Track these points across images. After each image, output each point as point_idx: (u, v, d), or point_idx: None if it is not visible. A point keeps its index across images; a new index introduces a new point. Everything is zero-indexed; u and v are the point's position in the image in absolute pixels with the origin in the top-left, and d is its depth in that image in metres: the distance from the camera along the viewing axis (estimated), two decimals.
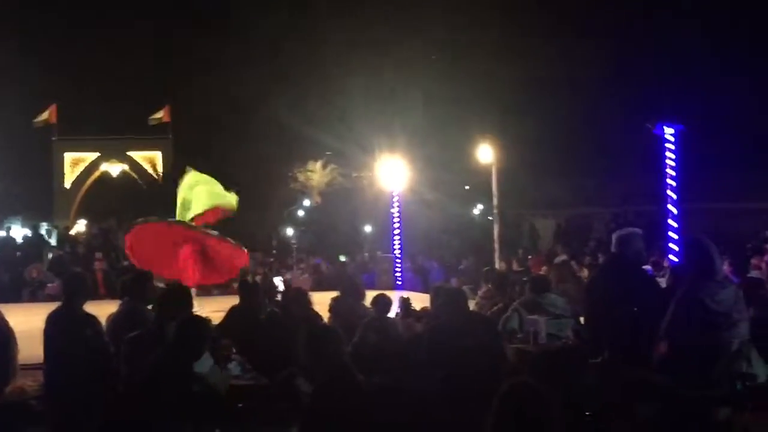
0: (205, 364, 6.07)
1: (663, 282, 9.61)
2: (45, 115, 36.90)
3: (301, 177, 40.41)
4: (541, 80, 35.20)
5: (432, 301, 8.70)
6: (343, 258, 22.47)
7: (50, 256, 22.05)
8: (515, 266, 17.40)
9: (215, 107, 42.75)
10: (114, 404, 6.23)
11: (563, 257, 17.89)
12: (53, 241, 23.67)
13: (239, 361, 7.52)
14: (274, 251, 23.83)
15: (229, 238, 13.30)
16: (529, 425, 3.62)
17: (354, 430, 5.10)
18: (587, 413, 4.84)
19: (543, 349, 7.85)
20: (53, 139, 39.06)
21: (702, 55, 31.21)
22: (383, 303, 8.64)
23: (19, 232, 31.41)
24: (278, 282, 9.93)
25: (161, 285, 9.49)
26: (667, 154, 12.38)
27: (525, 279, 10.16)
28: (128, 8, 48.21)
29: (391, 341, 7.86)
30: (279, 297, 10.03)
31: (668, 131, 12.39)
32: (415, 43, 38.05)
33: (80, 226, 31.50)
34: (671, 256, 12.20)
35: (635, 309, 6.41)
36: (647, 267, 10.51)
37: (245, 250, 13.62)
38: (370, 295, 9.47)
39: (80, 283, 7.87)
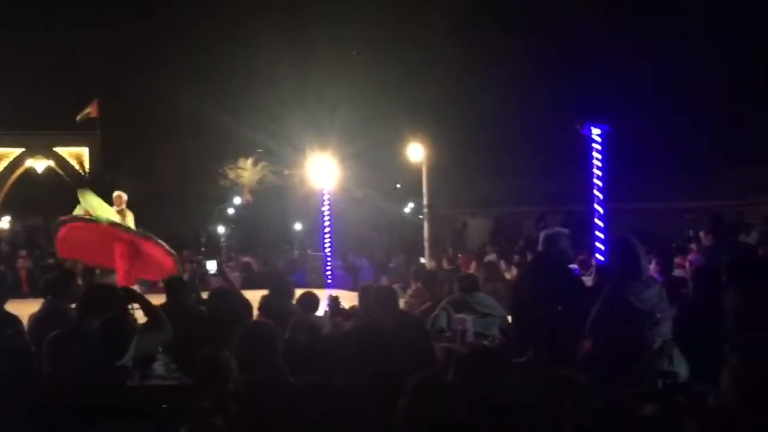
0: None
1: (589, 281, 9.77)
2: None
3: (231, 174, 40.09)
4: (472, 78, 35.38)
5: (360, 300, 8.70)
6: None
7: None
8: (445, 265, 17.49)
9: (144, 103, 42.19)
10: (36, 404, 6.10)
11: (492, 256, 18.06)
12: None
13: (164, 361, 7.43)
14: (203, 249, 23.63)
15: (162, 242, 13.09)
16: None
17: (284, 429, 5.08)
18: (512, 412, 4.88)
19: (469, 347, 7.90)
20: None
21: (629, 55, 31.73)
22: (308, 301, 8.62)
23: None
24: (211, 266, 9.82)
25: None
26: (594, 154, 12.56)
27: (454, 278, 10.21)
28: (57, 2, 47.48)
29: (320, 340, 7.84)
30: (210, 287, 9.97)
31: (595, 131, 12.57)
32: (343, 39, 38.02)
33: (3, 223, 30.90)
34: (598, 255, 12.37)
35: (560, 307, 6.48)
36: (574, 266, 10.66)
37: (173, 256, 13.35)
38: (299, 293, 9.44)
39: (2, 281, 7.74)
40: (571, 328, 6.46)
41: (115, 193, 13.33)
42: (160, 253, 13.08)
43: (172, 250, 13.21)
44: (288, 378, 5.69)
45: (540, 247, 7.68)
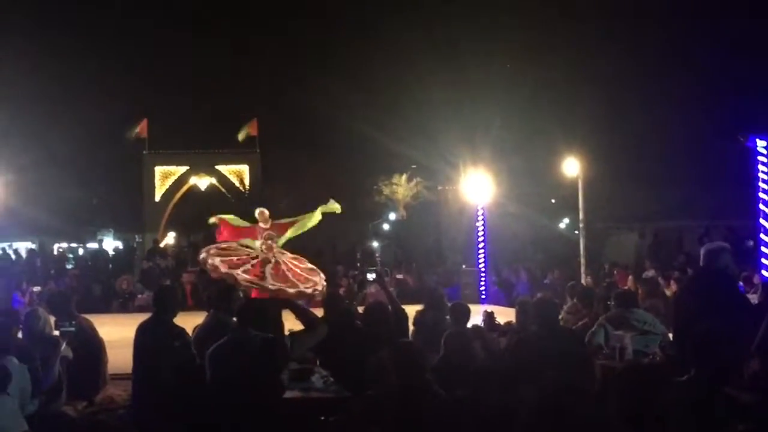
0: None
1: (755, 298, 9.39)
2: (136, 129, 37.68)
3: (386, 190, 40.48)
4: (629, 91, 34.69)
5: (517, 315, 8.62)
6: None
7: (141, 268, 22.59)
8: (601, 281, 17.16)
9: (301, 121, 43.21)
10: (199, 414, 6.32)
11: (651, 272, 17.60)
12: (143, 254, 24.21)
13: (321, 375, 7.56)
14: (359, 264, 23.91)
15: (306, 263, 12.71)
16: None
17: None
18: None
19: (628, 365, 7.72)
20: (144, 152, 39.85)
21: None
22: (460, 311, 8.57)
23: (110, 244, 32.23)
24: (371, 277, 9.88)
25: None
26: (760, 167, 12.09)
27: (611, 294, 10.00)
28: (218, 27, 49.24)
29: (474, 355, 7.80)
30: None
31: (761, 144, 12.11)
32: (496, 53, 37.90)
33: (169, 238, 32.10)
34: (764, 272, 11.90)
35: (723, 324, 6.26)
36: (738, 283, 10.28)
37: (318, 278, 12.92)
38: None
39: (171, 295, 8.06)
40: (735, 346, 6.23)
41: (257, 210, 13.38)
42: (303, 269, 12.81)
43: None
44: (438, 392, 5.70)
45: (702, 262, 7.44)
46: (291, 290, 11.40)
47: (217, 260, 11.03)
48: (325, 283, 11.93)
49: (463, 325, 8.43)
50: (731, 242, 10.74)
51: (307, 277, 11.77)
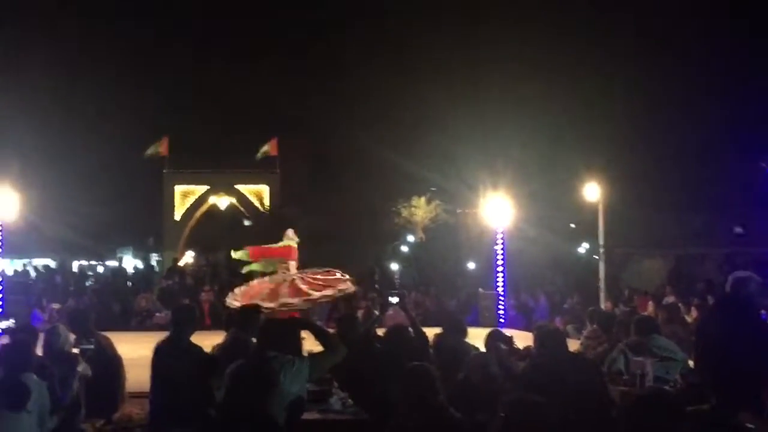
0: None
1: None
2: (156, 147, 37.83)
3: (404, 212, 40.50)
4: (651, 115, 34.65)
5: (535, 340, 8.54)
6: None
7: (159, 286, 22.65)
8: (621, 306, 17.08)
9: (320, 142, 43.37)
10: None
11: (671, 298, 17.51)
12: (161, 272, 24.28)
13: (340, 397, 7.55)
14: (377, 286, 23.88)
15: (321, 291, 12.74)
16: None
17: None
18: None
19: (648, 391, 7.66)
20: (164, 171, 40.03)
21: None
22: (497, 338, 8.52)
23: (130, 262, 32.36)
24: (393, 301, 9.84)
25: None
26: None
27: (631, 320, 9.92)
28: (239, 47, 49.61)
29: (492, 379, 7.76)
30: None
31: None
32: (515, 77, 37.96)
33: (188, 257, 32.19)
34: None
35: (746, 354, 6.20)
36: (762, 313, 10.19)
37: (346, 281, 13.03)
38: (472, 332, 9.39)
39: (189, 314, 8.05)
40: (758, 376, 6.17)
41: (290, 231, 13.50)
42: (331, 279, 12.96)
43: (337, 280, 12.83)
44: (454, 415, 5.67)
45: (727, 289, 7.37)
46: (312, 294, 11.60)
47: (237, 299, 11.24)
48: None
49: (462, 336, 8.34)
50: (755, 270, 10.66)
51: (327, 286, 11.95)
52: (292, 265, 12.97)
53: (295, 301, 11.55)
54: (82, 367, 7.34)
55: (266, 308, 10.67)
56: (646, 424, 4.59)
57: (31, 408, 6.18)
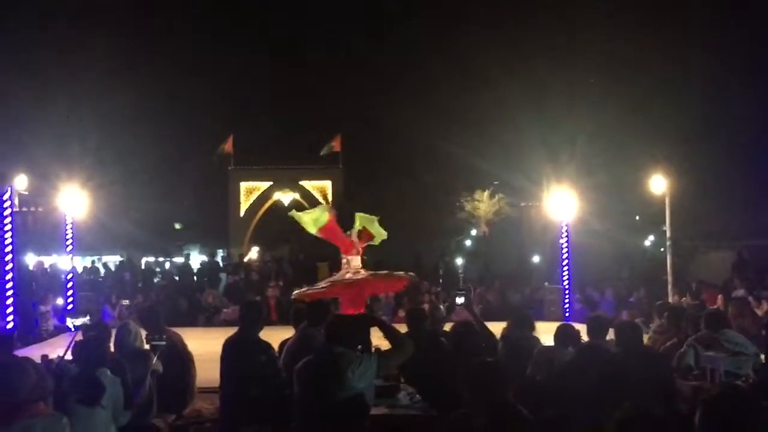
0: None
1: None
2: (223, 146, 38.32)
3: (468, 206, 40.36)
4: (719, 104, 34.04)
5: (588, 331, 8.39)
6: None
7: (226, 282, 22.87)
8: (689, 299, 16.84)
9: (384, 137, 43.43)
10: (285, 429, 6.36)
11: (741, 291, 17.23)
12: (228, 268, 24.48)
13: (408, 392, 7.56)
14: (441, 280, 23.84)
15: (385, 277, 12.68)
16: None
17: None
18: None
19: (720, 387, 7.55)
20: (230, 168, 40.47)
21: None
22: (566, 335, 8.44)
23: (197, 258, 32.74)
24: (460, 299, 9.77)
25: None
26: None
27: (701, 314, 9.77)
28: (304, 47, 49.98)
29: (559, 374, 7.70)
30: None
31: None
32: (579, 67, 37.60)
33: (253, 253, 32.46)
34: None
35: None
36: None
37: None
38: (538, 326, 9.34)
39: (257, 310, 8.15)
40: None
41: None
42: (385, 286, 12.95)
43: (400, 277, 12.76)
44: (522, 413, 5.63)
45: None
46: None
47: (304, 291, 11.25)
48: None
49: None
50: None
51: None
52: (354, 260, 12.74)
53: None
54: (154, 363, 7.46)
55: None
56: (725, 420, 4.52)
57: (106, 403, 6.28)
